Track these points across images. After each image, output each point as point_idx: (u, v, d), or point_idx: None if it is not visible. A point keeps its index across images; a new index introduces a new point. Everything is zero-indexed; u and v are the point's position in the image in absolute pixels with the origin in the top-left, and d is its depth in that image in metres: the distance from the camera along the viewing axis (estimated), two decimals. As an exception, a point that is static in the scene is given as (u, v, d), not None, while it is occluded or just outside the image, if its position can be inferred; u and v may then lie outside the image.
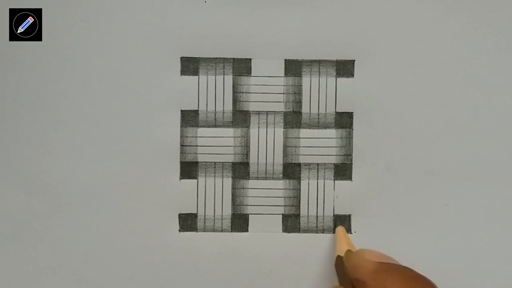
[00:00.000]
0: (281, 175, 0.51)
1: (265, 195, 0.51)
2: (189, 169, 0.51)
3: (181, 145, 0.51)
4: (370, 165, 0.51)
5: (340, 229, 0.50)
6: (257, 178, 0.51)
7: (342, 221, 0.51)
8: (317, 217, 0.51)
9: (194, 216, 0.51)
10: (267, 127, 0.51)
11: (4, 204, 0.50)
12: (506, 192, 0.51)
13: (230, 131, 0.51)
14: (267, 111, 0.51)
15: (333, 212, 0.51)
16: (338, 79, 0.51)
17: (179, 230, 0.51)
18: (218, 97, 0.51)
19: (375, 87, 0.51)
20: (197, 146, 0.51)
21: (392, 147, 0.51)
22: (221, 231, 0.51)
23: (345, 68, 0.51)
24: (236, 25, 0.51)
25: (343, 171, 0.51)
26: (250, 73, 0.51)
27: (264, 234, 0.51)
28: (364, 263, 0.39)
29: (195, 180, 0.51)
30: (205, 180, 0.51)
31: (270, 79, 0.51)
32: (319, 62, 0.51)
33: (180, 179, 0.51)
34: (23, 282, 0.51)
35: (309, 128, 0.51)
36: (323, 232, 0.51)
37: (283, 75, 0.51)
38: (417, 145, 0.51)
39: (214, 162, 0.51)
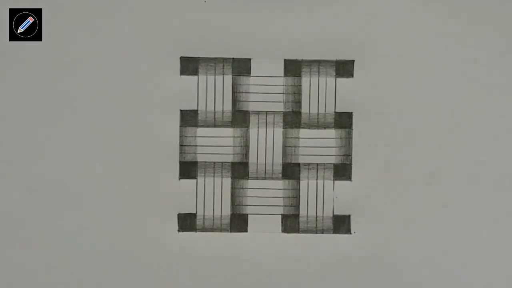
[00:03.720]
0: (280, 175, 0.51)
1: (264, 195, 0.51)
2: (188, 169, 0.51)
3: (181, 145, 0.51)
4: (370, 165, 0.51)
5: None
6: (257, 178, 0.51)
7: (342, 221, 0.51)
8: (316, 217, 0.51)
9: (193, 216, 0.51)
10: (266, 127, 0.51)
11: (3, 204, 0.50)
12: (506, 193, 0.51)
13: (229, 131, 0.51)
14: (267, 111, 0.51)
15: (333, 213, 0.51)
16: (337, 79, 0.51)
17: (178, 230, 0.51)
18: (218, 97, 0.51)
19: (374, 87, 0.51)
20: (196, 146, 0.51)
21: (392, 147, 0.51)
22: (220, 231, 0.51)
23: (344, 68, 0.51)
24: (236, 25, 0.51)
25: (342, 171, 0.51)
26: (250, 73, 0.51)
27: (263, 234, 0.51)
28: None
29: (195, 180, 0.51)
30: (204, 180, 0.51)
31: (269, 79, 0.51)
32: (319, 62, 0.51)
33: (179, 179, 0.51)
34: (22, 282, 0.51)
35: (309, 128, 0.51)
36: (322, 233, 0.51)
37: (282, 75, 0.51)
38: (417, 145, 0.51)
39: (214, 162, 0.51)
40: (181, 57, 0.51)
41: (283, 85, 0.51)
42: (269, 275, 0.51)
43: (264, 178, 0.51)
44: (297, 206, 0.51)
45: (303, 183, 0.51)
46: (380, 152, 0.51)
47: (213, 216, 0.51)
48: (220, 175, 0.51)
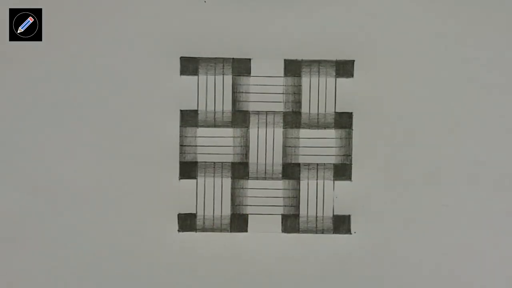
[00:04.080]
0: (280, 175, 0.51)
1: (264, 195, 0.51)
2: (188, 169, 0.51)
3: (181, 145, 0.51)
4: (370, 165, 0.51)
5: None
6: (257, 178, 0.51)
7: (342, 221, 0.51)
8: (316, 217, 0.51)
9: (193, 216, 0.51)
10: (266, 127, 0.51)
11: (3, 204, 0.50)
12: (506, 193, 0.51)
13: (229, 131, 0.51)
14: (267, 111, 0.51)
15: (333, 213, 0.51)
16: (337, 79, 0.51)
17: (178, 230, 0.51)
18: (218, 97, 0.51)
19: (374, 87, 0.51)
20: (196, 146, 0.51)
21: (392, 147, 0.51)
22: (220, 231, 0.51)
23: (344, 68, 0.51)
24: (236, 25, 0.51)
25: (342, 171, 0.51)
26: (250, 73, 0.51)
27: (263, 234, 0.51)
28: None
29: (195, 180, 0.51)
30: (205, 180, 0.51)
31: (269, 79, 0.51)
32: (319, 62, 0.51)
33: (179, 179, 0.51)
34: (22, 282, 0.51)
35: (309, 128, 0.51)
36: (322, 233, 0.51)
37: (282, 75, 0.51)
38: (417, 145, 0.51)
39: (214, 162, 0.51)
40: (181, 57, 0.51)
41: (283, 85, 0.51)
42: (269, 275, 0.51)
43: (264, 178, 0.51)
44: (297, 206, 0.51)
45: (303, 183, 0.51)
46: (380, 152, 0.51)
47: (213, 216, 0.51)
48: (220, 175, 0.51)
